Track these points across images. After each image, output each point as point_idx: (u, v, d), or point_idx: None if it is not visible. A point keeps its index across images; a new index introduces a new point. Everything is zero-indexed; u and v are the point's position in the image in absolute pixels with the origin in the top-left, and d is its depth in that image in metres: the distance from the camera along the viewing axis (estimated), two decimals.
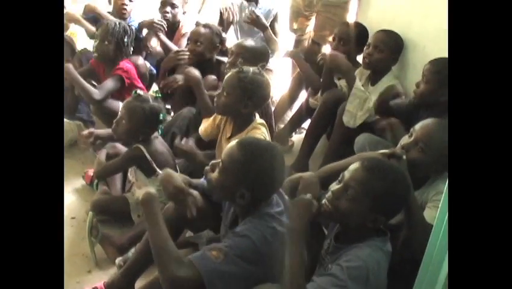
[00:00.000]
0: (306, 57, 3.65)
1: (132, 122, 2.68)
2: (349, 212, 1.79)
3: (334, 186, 1.85)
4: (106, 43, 3.32)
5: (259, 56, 3.19)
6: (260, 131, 2.67)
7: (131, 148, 2.71)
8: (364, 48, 3.15)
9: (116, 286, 2.23)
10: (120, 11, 3.95)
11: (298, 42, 4.06)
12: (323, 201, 1.85)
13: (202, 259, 1.80)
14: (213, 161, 2.01)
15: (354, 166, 1.83)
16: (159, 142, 2.80)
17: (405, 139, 2.18)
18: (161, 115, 2.74)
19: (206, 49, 3.55)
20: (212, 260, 1.79)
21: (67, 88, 3.50)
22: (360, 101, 2.96)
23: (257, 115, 2.75)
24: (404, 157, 2.05)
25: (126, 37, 3.37)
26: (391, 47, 3.07)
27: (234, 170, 1.91)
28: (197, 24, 3.71)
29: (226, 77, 2.69)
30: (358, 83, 3.02)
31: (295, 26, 3.94)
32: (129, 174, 2.94)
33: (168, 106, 3.71)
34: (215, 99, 2.70)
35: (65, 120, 3.50)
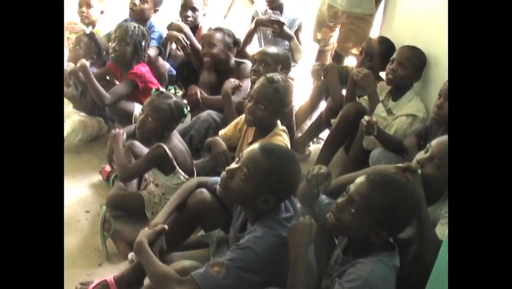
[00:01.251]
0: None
1: (160, 120, 2.71)
2: (351, 225, 1.80)
3: (340, 198, 1.86)
4: (123, 44, 3.31)
5: (282, 62, 3.20)
6: (281, 138, 2.70)
7: (153, 147, 2.71)
8: (388, 63, 3.14)
9: (125, 280, 2.24)
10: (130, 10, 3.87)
11: (321, 52, 4.08)
12: (328, 214, 1.86)
13: (203, 276, 1.81)
14: (230, 167, 1.98)
15: (359, 180, 1.83)
16: (176, 139, 2.83)
17: (420, 155, 2.18)
18: (185, 109, 2.79)
19: (220, 50, 3.58)
20: (214, 276, 1.80)
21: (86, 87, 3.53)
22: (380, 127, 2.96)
23: (278, 121, 2.77)
24: (419, 171, 2.05)
25: (144, 41, 3.36)
26: (415, 63, 3.05)
27: (259, 176, 1.90)
28: (209, 29, 3.74)
29: (257, 88, 2.67)
30: (379, 109, 3.03)
31: (319, 36, 3.95)
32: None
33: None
34: (248, 111, 2.68)
35: (85, 115, 3.56)
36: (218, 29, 3.64)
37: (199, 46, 3.82)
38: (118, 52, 3.31)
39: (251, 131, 2.84)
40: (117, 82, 3.52)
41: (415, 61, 3.05)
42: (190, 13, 4.01)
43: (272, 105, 2.63)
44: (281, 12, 4.08)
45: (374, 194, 1.77)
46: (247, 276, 1.82)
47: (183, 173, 2.75)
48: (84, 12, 3.96)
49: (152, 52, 3.63)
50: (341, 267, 1.88)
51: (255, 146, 2.00)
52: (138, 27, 3.36)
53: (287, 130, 2.77)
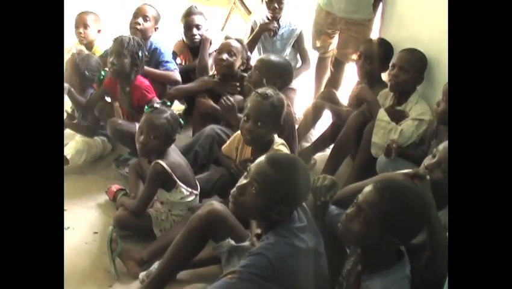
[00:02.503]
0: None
1: (161, 137, 2.71)
2: (361, 235, 1.78)
3: (349, 208, 1.84)
4: (121, 57, 3.27)
5: (284, 74, 3.19)
6: (285, 150, 2.69)
7: (151, 167, 2.71)
8: (389, 69, 3.12)
9: None
10: (131, 31, 3.81)
11: (321, 60, 4.07)
12: (338, 224, 1.84)
13: (218, 285, 1.85)
14: (240, 184, 1.97)
15: (367, 188, 1.81)
16: (175, 154, 2.82)
17: (428, 160, 2.16)
18: (181, 121, 2.81)
19: (237, 61, 3.57)
20: (228, 282, 1.83)
21: (87, 109, 3.55)
22: (385, 132, 2.96)
23: (275, 135, 2.74)
24: (428, 177, 2.02)
25: (140, 51, 3.33)
26: (416, 66, 3.04)
27: (270, 188, 1.90)
28: (228, 37, 3.72)
29: (253, 106, 2.63)
30: (382, 114, 3.01)
31: (318, 43, 3.94)
32: None
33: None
34: (246, 131, 2.65)
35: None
36: (239, 41, 3.64)
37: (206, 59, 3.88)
38: (116, 66, 3.27)
39: (248, 149, 2.82)
40: (115, 101, 3.52)
41: (416, 64, 3.03)
42: (195, 31, 3.99)
43: (271, 120, 2.62)
44: (278, 22, 4.04)
45: (382, 202, 1.75)
46: (261, 281, 1.83)
47: (185, 186, 2.75)
48: (81, 33, 3.96)
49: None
50: (355, 279, 1.86)
51: (262, 158, 1.98)
52: (133, 38, 3.34)
53: (285, 143, 2.75)
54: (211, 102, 3.49)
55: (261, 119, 2.61)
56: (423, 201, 1.82)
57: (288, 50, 4.15)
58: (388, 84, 3.13)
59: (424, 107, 3.04)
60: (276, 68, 3.17)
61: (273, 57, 3.29)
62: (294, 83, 4.12)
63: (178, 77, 3.80)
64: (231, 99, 3.16)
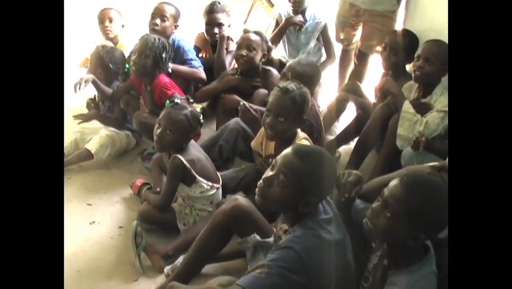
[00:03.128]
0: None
1: (178, 132, 2.71)
2: (388, 230, 1.75)
3: (375, 203, 1.82)
4: (143, 57, 3.26)
5: (313, 78, 3.12)
6: (307, 142, 2.66)
7: (170, 162, 2.72)
8: (414, 60, 3.06)
9: None
10: (150, 32, 3.74)
11: (345, 52, 4.03)
12: (364, 219, 1.82)
13: (247, 279, 1.84)
14: (266, 176, 1.96)
15: (393, 182, 1.78)
16: (194, 149, 2.82)
17: None
18: (201, 118, 2.79)
19: (258, 55, 3.54)
20: (257, 276, 1.82)
21: (113, 101, 3.60)
22: (410, 124, 2.91)
23: (299, 129, 2.73)
24: None
25: (164, 53, 3.31)
26: (442, 58, 2.94)
27: (297, 179, 1.89)
28: (246, 31, 3.67)
29: (273, 101, 2.62)
30: (407, 106, 2.97)
31: (342, 36, 3.90)
32: None
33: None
34: (268, 126, 2.64)
35: (113, 130, 3.57)
36: (258, 33, 3.60)
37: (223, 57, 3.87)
38: (138, 65, 3.27)
39: (271, 144, 2.81)
40: (140, 96, 3.53)
41: (441, 55, 2.94)
42: (216, 30, 3.97)
43: (291, 115, 2.59)
44: (303, 15, 4.02)
45: (409, 197, 1.72)
46: (290, 275, 1.83)
47: (205, 181, 2.75)
48: (107, 26, 3.97)
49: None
50: (382, 274, 1.85)
51: (289, 150, 1.97)
52: (158, 39, 3.33)
53: (308, 138, 2.72)
54: (236, 97, 3.47)
55: (281, 114, 2.59)
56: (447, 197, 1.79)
57: (313, 43, 4.12)
58: (413, 76, 3.07)
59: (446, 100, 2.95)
60: (304, 74, 3.06)
61: (302, 64, 3.19)
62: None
63: (203, 74, 3.77)
64: (253, 108, 3.08)
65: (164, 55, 3.32)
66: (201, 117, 2.81)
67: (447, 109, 2.88)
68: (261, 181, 1.97)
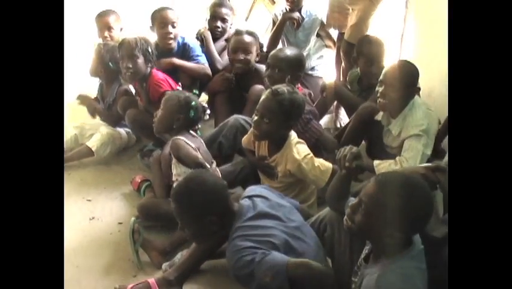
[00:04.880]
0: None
1: (166, 109, 2.80)
2: (363, 226, 1.77)
3: (354, 200, 1.84)
4: (135, 59, 3.25)
5: (296, 65, 3.14)
6: (303, 148, 2.66)
7: (172, 144, 2.73)
8: (377, 85, 2.90)
9: (167, 281, 2.36)
10: (165, 43, 3.71)
11: (340, 39, 3.96)
12: (344, 217, 1.83)
13: None
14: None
15: (370, 181, 1.79)
16: (199, 142, 2.85)
17: None
18: (193, 102, 2.80)
19: (253, 57, 3.55)
20: None
21: (111, 101, 3.60)
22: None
23: (293, 133, 2.71)
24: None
25: (149, 47, 3.32)
26: (406, 82, 2.79)
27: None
28: (239, 32, 3.61)
29: (262, 101, 2.61)
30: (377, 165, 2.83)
31: (334, 23, 3.92)
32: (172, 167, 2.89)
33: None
34: (254, 125, 2.64)
35: (113, 128, 3.59)
36: (250, 34, 3.58)
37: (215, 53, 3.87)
38: (132, 69, 3.26)
39: (263, 145, 2.80)
40: (138, 96, 3.54)
41: (404, 80, 2.79)
42: (219, 24, 3.96)
43: (277, 117, 2.56)
44: (300, 12, 3.97)
45: (381, 195, 1.72)
46: None
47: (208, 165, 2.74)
48: (106, 36, 3.92)
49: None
50: (363, 272, 1.86)
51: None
52: (139, 38, 3.32)
53: (303, 141, 2.71)
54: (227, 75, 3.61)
55: (267, 115, 2.57)
56: (425, 195, 1.75)
57: (313, 40, 4.10)
58: (378, 103, 2.92)
59: (418, 114, 2.83)
60: (285, 60, 3.11)
61: (283, 51, 3.25)
62: (320, 71, 4.16)
63: (209, 71, 3.75)
64: None
65: (150, 49, 3.32)
66: (193, 102, 2.82)
67: (420, 133, 2.77)
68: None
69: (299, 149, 2.62)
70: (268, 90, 2.62)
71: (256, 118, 2.62)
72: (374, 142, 3.12)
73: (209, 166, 2.69)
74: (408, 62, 2.88)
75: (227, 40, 3.82)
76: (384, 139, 3.02)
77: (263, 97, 2.63)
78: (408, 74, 2.80)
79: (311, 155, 2.63)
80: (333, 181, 2.22)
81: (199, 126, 2.95)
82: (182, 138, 2.73)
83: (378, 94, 2.86)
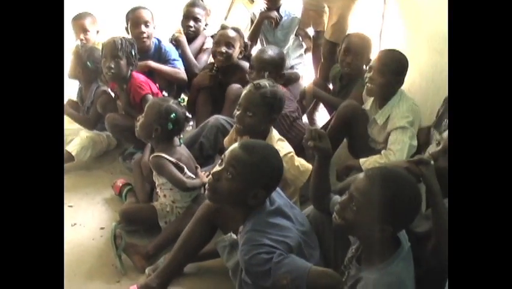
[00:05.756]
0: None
1: (147, 116, 2.78)
2: (354, 223, 1.77)
3: (342, 197, 1.84)
4: (117, 60, 3.23)
5: (279, 65, 3.20)
6: (284, 145, 2.66)
7: (152, 159, 2.75)
8: (366, 71, 2.93)
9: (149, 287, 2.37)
10: (139, 42, 3.61)
11: (316, 38, 4.03)
12: (333, 215, 1.83)
13: None
14: (215, 170, 2.02)
15: (359, 176, 1.81)
16: (183, 150, 2.85)
17: (433, 148, 2.13)
18: (173, 114, 2.75)
19: (236, 52, 3.56)
20: None
21: (89, 104, 3.56)
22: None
23: (275, 131, 2.71)
24: (432, 162, 1.98)
25: (133, 50, 3.30)
26: (394, 69, 2.82)
27: (245, 172, 1.96)
28: (224, 27, 3.66)
29: (244, 95, 2.62)
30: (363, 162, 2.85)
31: (309, 23, 3.93)
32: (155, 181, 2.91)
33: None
34: (237, 119, 2.63)
35: (95, 131, 3.55)
36: (236, 30, 3.61)
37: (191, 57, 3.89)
38: (114, 70, 3.24)
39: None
40: (117, 98, 3.53)
41: (393, 67, 2.82)
42: (192, 23, 3.98)
43: (260, 110, 2.57)
44: (278, 12, 3.98)
45: (372, 189, 1.73)
46: None
47: (190, 173, 2.78)
48: (82, 39, 3.89)
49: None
50: (355, 270, 1.86)
51: (235, 145, 2.04)
52: (124, 38, 3.31)
53: (284, 139, 2.71)
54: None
55: (250, 108, 2.58)
56: (415, 189, 1.78)
57: (292, 40, 4.11)
58: (365, 88, 2.96)
59: (404, 107, 2.86)
60: (268, 60, 3.17)
61: (265, 51, 3.27)
62: (300, 69, 4.17)
63: (185, 76, 3.77)
64: None
65: (133, 52, 3.31)
66: (172, 114, 2.75)
67: (406, 125, 2.80)
68: (210, 176, 2.04)
69: (280, 145, 2.61)
70: (250, 85, 2.64)
71: (238, 112, 2.62)
72: (356, 139, 3.12)
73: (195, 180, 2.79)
74: (398, 51, 2.91)
75: (212, 36, 3.83)
76: (369, 131, 3.03)
77: (245, 92, 2.64)
78: (397, 62, 2.86)
79: (293, 153, 2.62)
80: (311, 177, 2.24)
81: (182, 135, 2.91)
82: (162, 155, 2.72)
83: (366, 80, 2.90)
